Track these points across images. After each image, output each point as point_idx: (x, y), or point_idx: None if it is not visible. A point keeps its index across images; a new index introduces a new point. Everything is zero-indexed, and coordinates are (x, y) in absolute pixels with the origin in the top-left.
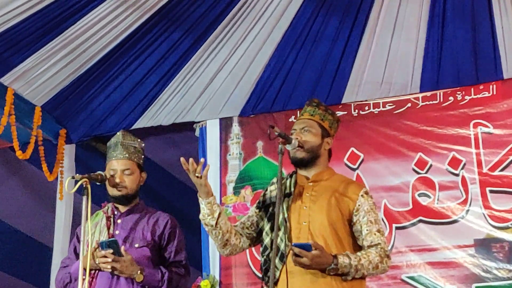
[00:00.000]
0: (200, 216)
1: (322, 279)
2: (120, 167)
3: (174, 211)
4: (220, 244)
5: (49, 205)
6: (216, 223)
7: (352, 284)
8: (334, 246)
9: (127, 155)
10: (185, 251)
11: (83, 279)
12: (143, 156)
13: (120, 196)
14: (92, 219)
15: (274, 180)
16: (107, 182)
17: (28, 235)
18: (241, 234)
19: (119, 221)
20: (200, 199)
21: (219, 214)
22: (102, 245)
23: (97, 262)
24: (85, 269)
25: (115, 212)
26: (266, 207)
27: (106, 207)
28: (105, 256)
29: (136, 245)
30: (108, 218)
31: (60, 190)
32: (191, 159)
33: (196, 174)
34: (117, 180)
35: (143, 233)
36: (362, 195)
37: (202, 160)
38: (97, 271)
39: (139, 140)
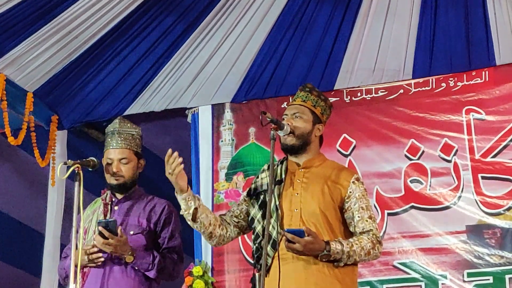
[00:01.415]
0: (181, 212)
1: (314, 265)
2: (116, 156)
3: (166, 198)
4: (205, 237)
5: (41, 191)
6: (195, 218)
7: (344, 270)
8: (326, 233)
9: (123, 143)
10: (180, 238)
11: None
12: (141, 142)
13: (117, 185)
14: (91, 206)
15: (265, 167)
16: (104, 170)
17: (20, 222)
18: (228, 223)
19: (116, 207)
20: (176, 195)
21: (195, 209)
22: (99, 224)
23: (90, 258)
24: (76, 266)
25: (113, 199)
26: (257, 195)
27: (105, 194)
28: (102, 236)
29: (131, 232)
30: (105, 205)
31: (52, 176)
32: (175, 153)
33: (169, 171)
34: (114, 169)
35: (138, 219)
36: (353, 182)
37: (175, 154)
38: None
39: (136, 126)
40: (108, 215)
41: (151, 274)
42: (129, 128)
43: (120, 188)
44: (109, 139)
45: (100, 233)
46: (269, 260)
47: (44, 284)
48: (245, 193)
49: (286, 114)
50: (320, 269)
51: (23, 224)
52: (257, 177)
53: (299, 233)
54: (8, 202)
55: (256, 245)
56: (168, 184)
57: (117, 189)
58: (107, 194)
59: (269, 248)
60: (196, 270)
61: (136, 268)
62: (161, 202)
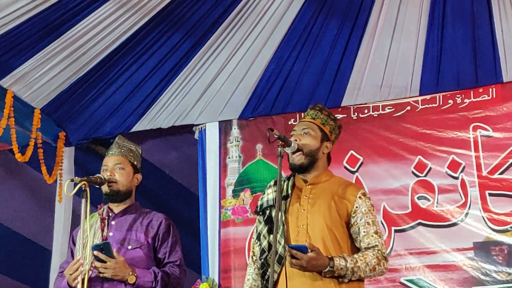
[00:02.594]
0: None
1: (321, 281)
2: (112, 162)
3: (173, 214)
4: None
5: (48, 208)
6: None
7: (350, 286)
8: (333, 249)
9: (119, 152)
10: (181, 251)
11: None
12: (139, 159)
13: (111, 192)
14: (83, 221)
15: (271, 183)
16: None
17: (27, 238)
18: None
19: (113, 222)
20: None
21: None
22: (94, 248)
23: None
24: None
25: (110, 214)
26: (263, 210)
27: (102, 209)
28: (99, 260)
29: (129, 247)
30: (102, 219)
31: (59, 193)
32: None
33: None
34: (108, 173)
35: (136, 234)
36: (359, 197)
37: None
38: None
39: (136, 144)
40: (105, 230)
41: None
42: (128, 143)
43: (114, 196)
44: (107, 151)
45: (96, 257)
46: (275, 276)
47: None
48: (257, 218)
49: (295, 130)
50: (326, 285)
51: (30, 240)
52: (264, 193)
53: (303, 249)
54: (15, 219)
55: (262, 260)
56: (175, 200)
57: (112, 198)
58: (104, 209)
59: (275, 264)
60: (203, 286)
61: None
62: (158, 216)
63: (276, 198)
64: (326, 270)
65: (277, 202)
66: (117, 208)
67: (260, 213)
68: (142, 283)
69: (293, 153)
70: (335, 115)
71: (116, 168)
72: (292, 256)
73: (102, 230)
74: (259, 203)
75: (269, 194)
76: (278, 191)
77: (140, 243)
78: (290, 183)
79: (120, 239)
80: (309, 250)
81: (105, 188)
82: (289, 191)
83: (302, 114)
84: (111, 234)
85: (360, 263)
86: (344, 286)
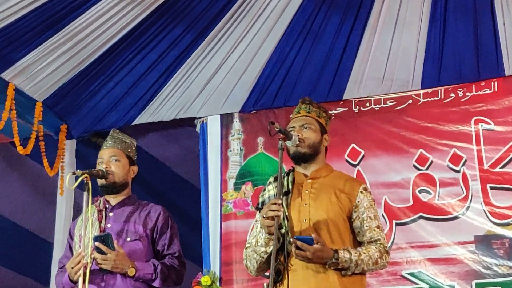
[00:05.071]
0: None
1: (323, 274)
2: (107, 155)
3: (174, 207)
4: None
5: (49, 201)
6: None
7: (353, 279)
8: (336, 242)
9: (114, 144)
10: (179, 243)
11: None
12: (135, 151)
13: (107, 185)
14: (85, 213)
15: (271, 179)
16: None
17: (29, 230)
18: None
19: (110, 214)
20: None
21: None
22: (95, 240)
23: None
24: (75, 282)
25: (107, 206)
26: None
27: (99, 201)
28: (99, 251)
29: (128, 239)
30: (99, 211)
31: (61, 186)
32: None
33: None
34: (104, 166)
35: (135, 226)
36: (361, 191)
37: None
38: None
39: (131, 138)
40: (103, 222)
41: (156, 283)
42: (122, 136)
43: (110, 188)
44: (103, 145)
45: (97, 249)
46: (281, 268)
47: None
48: (257, 214)
49: (293, 126)
50: (329, 279)
51: (31, 233)
52: (264, 190)
53: (308, 241)
54: (16, 211)
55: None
56: (176, 193)
57: (109, 190)
58: (100, 201)
59: (282, 258)
60: (205, 280)
61: (140, 280)
62: (156, 207)
63: (278, 191)
64: (330, 262)
65: (278, 195)
66: (114, 199)
67: (262, 209)
68: (142, 276)
69: (295, 144)
70: (337, 108)
71: (111, 160)
72: (298, 248)
73: (100, 222)
74: (260, 200)
75: (270, 191)
76: (279, 183)
77: (138, 235)
78: (290, 178)
79: (118, 230)
80: (315, 242)
81: (100, 180)
82: (290, 187)
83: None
84: (109, 225)
85: (363, 256)
86: (346, 279)
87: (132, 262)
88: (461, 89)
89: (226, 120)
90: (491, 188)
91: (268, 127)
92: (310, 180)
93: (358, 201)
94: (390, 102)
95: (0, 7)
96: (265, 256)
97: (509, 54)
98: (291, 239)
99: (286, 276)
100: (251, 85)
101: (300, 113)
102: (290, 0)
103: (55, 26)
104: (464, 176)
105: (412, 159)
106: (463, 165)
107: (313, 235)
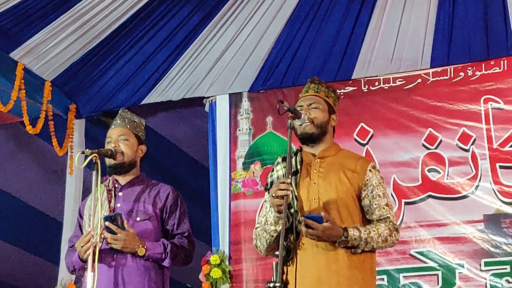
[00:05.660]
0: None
1: (333, 252)
2: (115, 134)
3: (183, 186)
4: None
5: (59, 180)
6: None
7: (363, 257)
8: (345, 221)
9: (123, 123)
10: (188, 223)
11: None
12: (143, 131)
13: (115, 165)
14: (94, 193)
15: (279, 159)
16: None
17: (38, 210)
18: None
19: (120, 194)
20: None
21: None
22: (105, 219)
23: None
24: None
25: (116, 185)
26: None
27: (108, 180)
28: (109, 231)
29: (138, 219)
30: (109, 191)
31: (70, 165)
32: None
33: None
34: (112, 145)
35: (144, 206)
36: (370, 170)
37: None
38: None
39: (140, 117)
40: (113, 201)
41: (166, 263)
42: (131, 115)
43: (118, 168)
44: (111, 124)
45: (107, 228)
46: (291, 247)
47: (62, 271)
48: (266, 194)
49: (301, 105)
50: (338, 257)
51: (41, 212)
52: (272, 171)
53: (318, 219)
54: (26, 191)
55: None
56: (185, 173)
57: (117, 170)
58: (109, 181)
59: (292, 237)
60: (214, 258)
61: (150, 260)
62: (165, 187)
63: (287, 170)
64: (340, 240)
65: (287, 174)
66: (123, 179)
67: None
68: (152, 255)
69: (304, 124)
70: (346, 87)
71: (120, 139)
72: (307, 226)
73: (110, 202)
74: (269, 180)
75: (279, 171)
76: (288, 162)
77: (148, 214)
78: (298, 158)
79: (127, 210)
80: (324, 220)
81: (110, 161)
82: (298, 166)
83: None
84: (118, 205)
85: (373, 234)
86: (356, 257)
87: (142, 242)
88: (470, 68)
89: (235, 100)
90: (500, 167)
91: (277, 106)
92: (318, 160)
93: (367, 179)
94: (399, 81)
95: None
96: (275, 234)
97: None
98: (300, 218)
99: (296, 255)
100: (259, 64)
101: (308, 92)
102: None
103: (63, 5)
104: (473, 155)
105: (421, 138)
106: (472, 144)
107: (322, 214)
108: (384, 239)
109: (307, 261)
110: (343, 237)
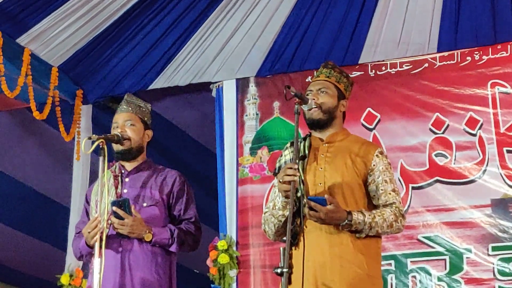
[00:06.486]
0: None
1: (336, 235)
2: (122, 119)
3: (191, 172)
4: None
5: (66, 166)
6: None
7: (368, 242)
8: (350, 206)
9: (129, 108)
10: (195, 208)
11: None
12: (149, 116)
13: (123, 151)
14: (101, 179)
15: (288, 144)
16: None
17: (46, 196)
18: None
19: (126, 179)
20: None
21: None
22: (113, 204)
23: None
24: (91, 247)
25: (122, 171)
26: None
27: (114, 166)
28: (117, 216)
29: (145, 204)
30: (115, 177)
31: (77, 151)
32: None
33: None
34: (119, 130)
35: (151, 191)
36: (377, 155)
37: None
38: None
39: (145, 102)
40: (119, 187)
41: (173, 248)
42: (137, 100)
43: (126, 154)
44: (117, 109)
45: (115, 214)
46: (297, 230)
47: (69, 257)
48: (275, 179)
49: (310, 90)
50: (343, 239)
51: (48, 198)
52: (281, 156)
53: (321, 201)
54: (33, 176)
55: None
56: (192, 158)
57: (125, 156)
58: (116, 166)
59: (299, 221)
60: (221, 244)
61: (157, 245)
62: (172, 172)
63: (294, 156)
64: (343, 224)
65: (294, 159)
66: (129, 165)
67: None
68: (159, 241)
69: (310, 110)
70: (352, 72)
71: (126, 124)
72: (311, 208)
73: (116, 187)
74: (277, 165)
75: (287, 156)
76: (295, 148)
77: (155, 200)
78: (307, 143)
79: (134, 196)
80: (328, 203)
81: (117, 147)
82: (306, 151)
83: (315, 72)
84: (125, 191)
85: (378, 219)
86: (361, 241)
87: (149, 228)
88: (477, 52)
89: (242, 85)
90: (508, 151)
91: (284, 91)
92: (326, 144)
93: (374, 165)
94: (406, 65)
95: None
96: (283, 219)
97: None
98: (305, 201)
99: (302, 238)
100: (266, 49)
101: (319, 77)
102: None
103: None
104: (481, 140)
105: (428, 123)
106: (480, 128)
107: (326, 196)
108: (389, 224)
109: (311, 244)
110: (346, 221)
